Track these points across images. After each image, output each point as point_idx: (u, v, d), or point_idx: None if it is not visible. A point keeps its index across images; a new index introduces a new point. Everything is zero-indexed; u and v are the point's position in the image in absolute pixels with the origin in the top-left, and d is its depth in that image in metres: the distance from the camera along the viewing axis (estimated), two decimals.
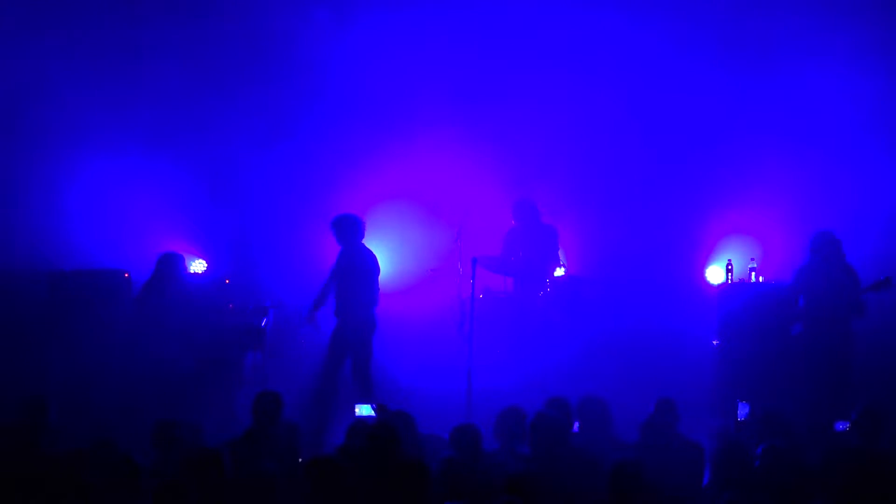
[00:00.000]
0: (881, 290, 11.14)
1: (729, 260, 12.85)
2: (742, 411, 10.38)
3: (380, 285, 11.76)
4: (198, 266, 13.67)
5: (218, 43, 13.85)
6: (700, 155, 13.78)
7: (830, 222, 12.34)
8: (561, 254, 12.92)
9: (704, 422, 10.68)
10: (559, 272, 12.94)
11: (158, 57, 13.81)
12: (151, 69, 13.83)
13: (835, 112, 13.43)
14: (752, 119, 13.66)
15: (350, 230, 11.68)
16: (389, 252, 13.33)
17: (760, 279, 12.57)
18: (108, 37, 13.62)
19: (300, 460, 9.02)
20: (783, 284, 12.02)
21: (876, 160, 13.42)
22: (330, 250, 11.90)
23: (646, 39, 13.76)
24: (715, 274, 13.36)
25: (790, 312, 11.30)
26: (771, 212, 13.46)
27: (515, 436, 8.96)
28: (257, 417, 9.30)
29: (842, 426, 9.75)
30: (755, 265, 12.62)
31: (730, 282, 12.67)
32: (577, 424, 9.27)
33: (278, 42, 14.03)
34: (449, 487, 7.94)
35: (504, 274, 12.86)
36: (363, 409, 10.69)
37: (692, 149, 13.80)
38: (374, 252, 11.92)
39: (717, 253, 13.51)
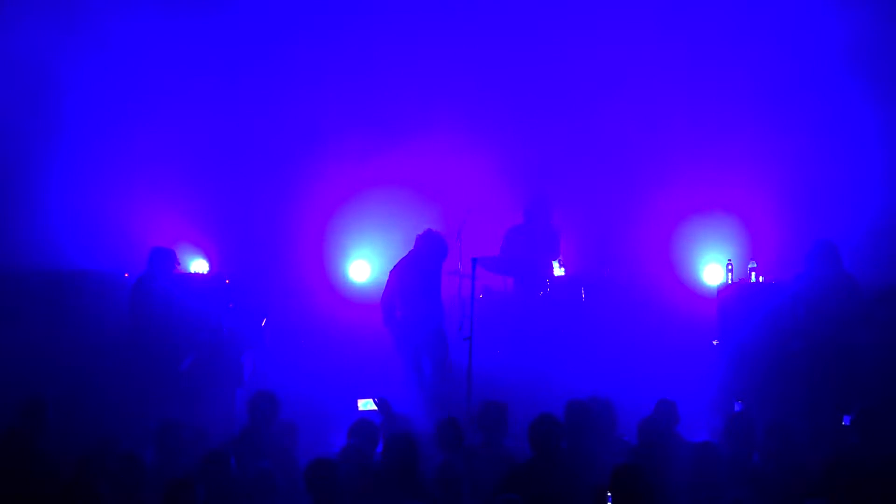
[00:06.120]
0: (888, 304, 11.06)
1: (729, 260, 12.84)
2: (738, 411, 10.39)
3: None
4: (200, 266, 13.66)
5: (218, 40, 13.83)
6: (698, 154, 13.78)
7: (827, 216, 12.38)
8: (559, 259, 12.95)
9: (704, 422, 10.69)
10: (558, 272, 12.94)
11: (160, 55, 13.80)
12: (152, 68, 13.82)
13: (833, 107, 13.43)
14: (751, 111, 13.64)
15: None
16: (390, 251, 13.33)
17: (760, 279, 12.55)
18: (109, 30, 13.61)
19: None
20: (784, 283, 11.99)
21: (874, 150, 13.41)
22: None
23: (637, 30, 13.75)
24: (715, 274, 13.36)
25: (789, 326, 11.21)
26: (769, 205, 13.48)
27: (500, 430, 9.05)
28: (253, 417, 9.34)
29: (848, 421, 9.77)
30: (755, 265, 12.61)
31: (730, 282, 12.66)
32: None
33: (279, 39, 14.02)
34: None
35: (504, 274, 12.86)
36: (365, 403, 10.74)
37: (690, 149, 13.80)
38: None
39: (716, 250, 13.52)
